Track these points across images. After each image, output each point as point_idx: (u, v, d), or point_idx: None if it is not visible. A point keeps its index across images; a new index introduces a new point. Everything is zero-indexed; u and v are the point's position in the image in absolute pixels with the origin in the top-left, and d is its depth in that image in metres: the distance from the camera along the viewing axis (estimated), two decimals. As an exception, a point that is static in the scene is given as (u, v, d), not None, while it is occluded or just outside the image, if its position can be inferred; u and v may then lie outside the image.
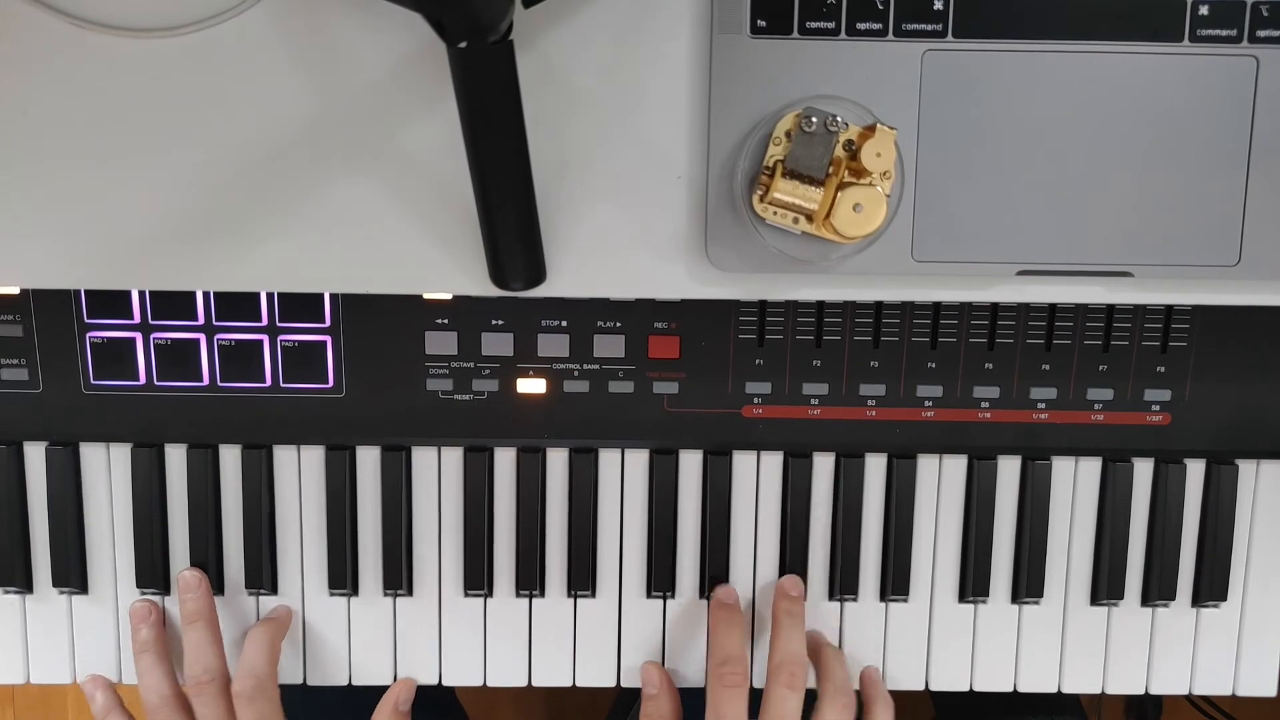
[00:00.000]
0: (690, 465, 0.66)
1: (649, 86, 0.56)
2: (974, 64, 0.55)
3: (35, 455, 0.65)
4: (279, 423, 0.64)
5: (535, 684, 0.68)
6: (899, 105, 0.55)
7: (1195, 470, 0.67)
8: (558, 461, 0.66)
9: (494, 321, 0.63)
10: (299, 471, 0.66)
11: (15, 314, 0.62)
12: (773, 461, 0.66)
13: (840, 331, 0.64)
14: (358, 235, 0.57)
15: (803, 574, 0.67)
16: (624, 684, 0.68)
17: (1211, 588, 0.67)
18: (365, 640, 0.67)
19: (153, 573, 0.66)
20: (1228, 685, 0.69)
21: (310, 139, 0.56)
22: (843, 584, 0.67)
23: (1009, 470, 0.66)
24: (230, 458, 0.65)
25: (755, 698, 0.62)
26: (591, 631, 0.67)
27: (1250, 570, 0.68)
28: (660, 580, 0.67)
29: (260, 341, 0.63)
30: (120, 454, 0.65)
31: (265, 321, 0.63)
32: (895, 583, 0.67)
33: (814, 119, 0.52)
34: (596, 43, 0.55)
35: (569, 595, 0.67)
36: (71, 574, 0.66)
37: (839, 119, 0.52)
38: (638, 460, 0.66)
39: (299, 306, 0.63)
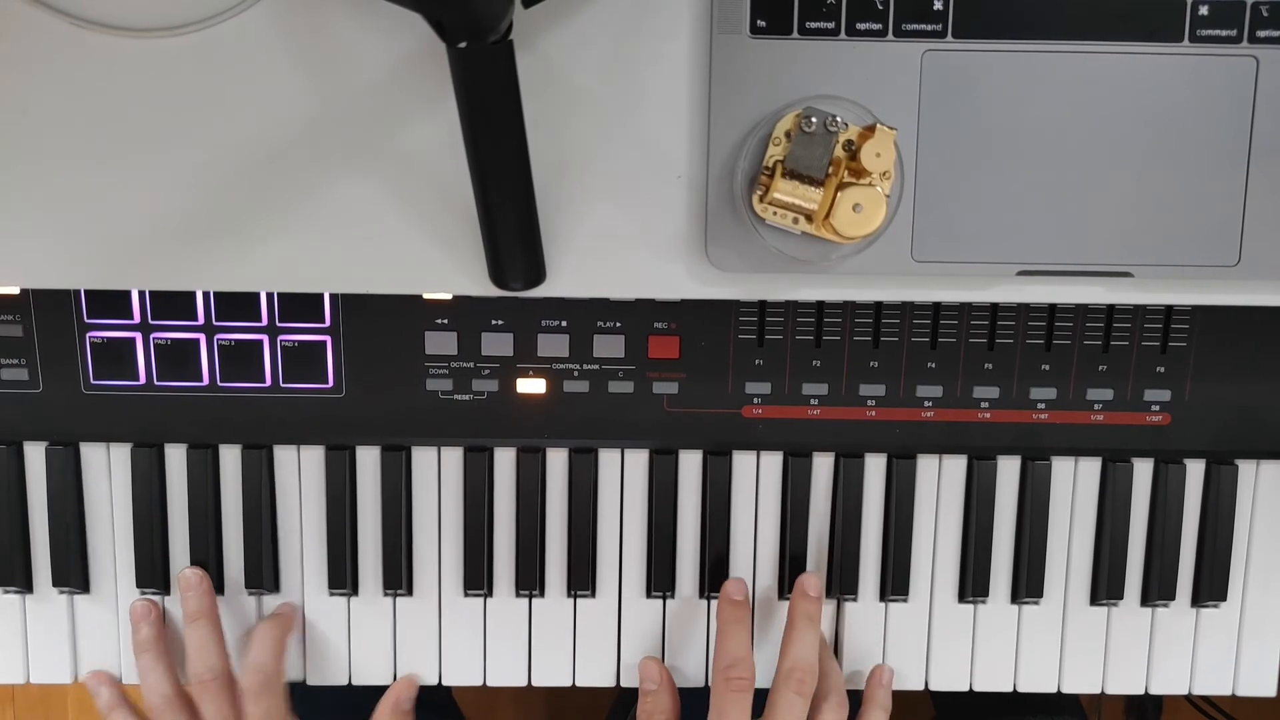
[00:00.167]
0: (690, 465, 0.66)
1: (649, 86, 0.56)
2: (974, 64, 0.55)
3: (35, 455, 0.65)
4: (279, 423, 0.64)
5: (535, 684, 0.68)
6: (899, 105, 0.55)
7: (1195, 470, 0.67)
8: (558, 461, 0.66)
9: (494, 321, 0.63)
10: (299, 471, 0.66)
11: (15, 314, 0.62)
12: (773, 461, 0.66)
13: (840, 331, 0.64)
14: (358, 235, 0.57)
15: (802, 574, 0.67)
16: (624, 684, 0.68)
17: (1211, 588, 0.67)
18: (365, 640, 0.67)
19: (153, 572, 0.66)
20: (1227, 685, 0.69)
21: (310, 139, 0.56)
22: (842, 584, 0.67)
23: (1009, 470, 0.66)
24: (230, 458, 0.65)
25: (759, 698, 0.62)
26: (591, 631, 0.67)
27: (1250, 570, 0.68)
28: (660, 580, 0.67)
29: (260, 341, 0.63)
30: (120, 454, 0.65)
31: (265, 321, 0.63)
32: (895, 582, 0.67)
33: (814, 119, 0.52)
34: (596, 43, 0.55)
35: (569, 595, 0.67)
36: (72, 574, 0.66)
37: (839, 119, 0.52)
38: (638, 460, 0.66)
39: (299, 306, 0.63)
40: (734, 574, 0.67)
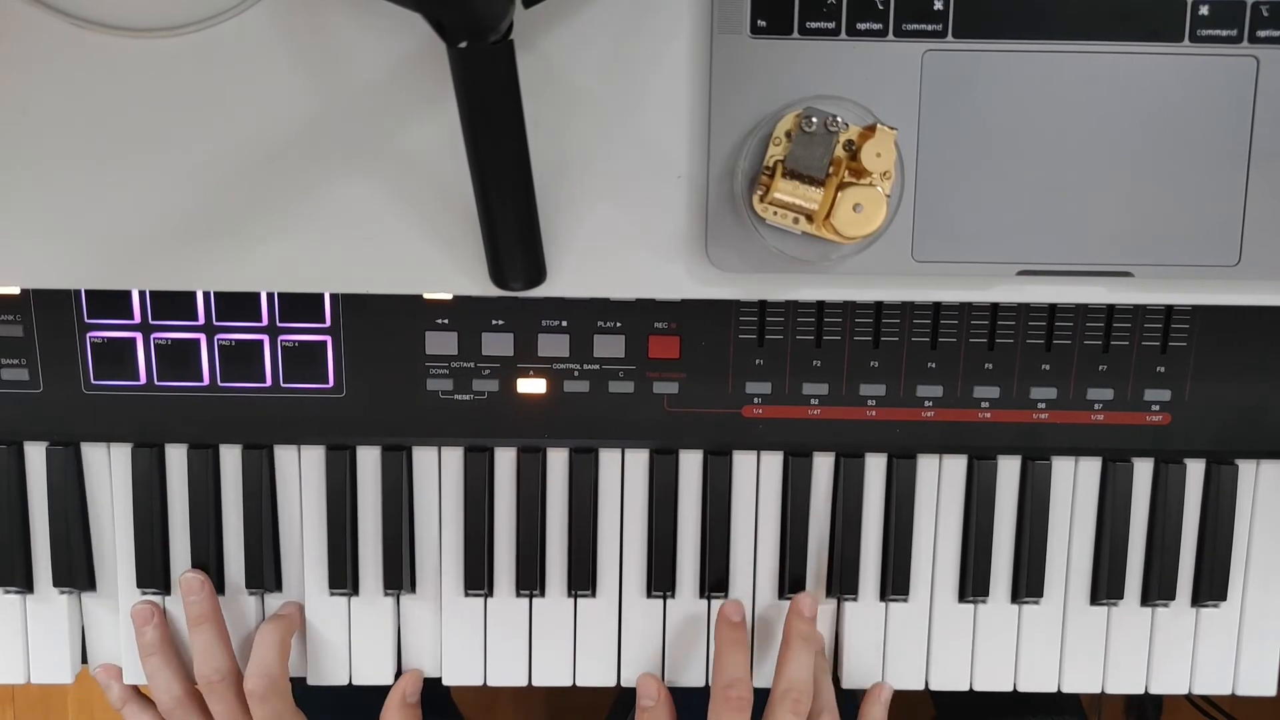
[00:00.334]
0: (690, 465, 0.66)
1: (649, 86, 0.56)
2: (974, 64, 0.55)
3: (35, 455, 0.65)
4: (279, 423, 0.64)
5: (535, 684, 0.68)
6: (899, 105, 0.55)
7: (1195, 470, 0.67)
8: (558, 461, 0.66)
9: (494, 321, 0.63)
10: (299, 471, 0.66)
11: (15, 314, 0.62)
12: (773, 461, 0.66)
13: (840, 331, 0.64)
14: (358, 235, 0.57)
15: (802, 574, 0.67)
16: (624, 684, 0.68)
17: (1211, 588, 0.67)
18: (365, 640, 0.67)
19: (153, 572, 0.66)
20: (1227, 685, 0.69)
21: (310, 139, 0.56)
22: (843, 584, 0.67)
23: (1009, 470, 0.66)
24: (230, 458, 0.65)
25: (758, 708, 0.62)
26: (591, 631, 0.67)
27: (1250, 570, 0.68)
28: (660, 580, 0.67)
29: (260, 341, 0.63)
30: (121, 454, 0.65)
31: (265, 321, 0.63)
32: (895, 582, 0.67)
33: (814, 119, 0.52)
34: (596, 43, 0.55)
35: (569, 595, 0.67)
36: (72, 574, 0.66)
37: (839, 119, 0.52)
38: (638, 460, 0.66)
39: (299, 306, 0.63)
40: (734, 574, 0.67)
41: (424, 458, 0.66)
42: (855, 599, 0.67)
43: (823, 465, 0.66)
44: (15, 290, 0.62)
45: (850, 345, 0.64)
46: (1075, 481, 0.67)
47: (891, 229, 0.55)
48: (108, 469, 0.65)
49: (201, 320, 0.63)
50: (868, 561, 0.67)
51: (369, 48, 0.55)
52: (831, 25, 0.54)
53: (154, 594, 0.66)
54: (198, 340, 0.63)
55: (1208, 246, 0.57)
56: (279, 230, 0.57)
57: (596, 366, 0.64)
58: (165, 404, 0.64)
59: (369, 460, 0.66)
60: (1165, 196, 0.56)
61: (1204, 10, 0.54)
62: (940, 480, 0.66)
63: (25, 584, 0.66)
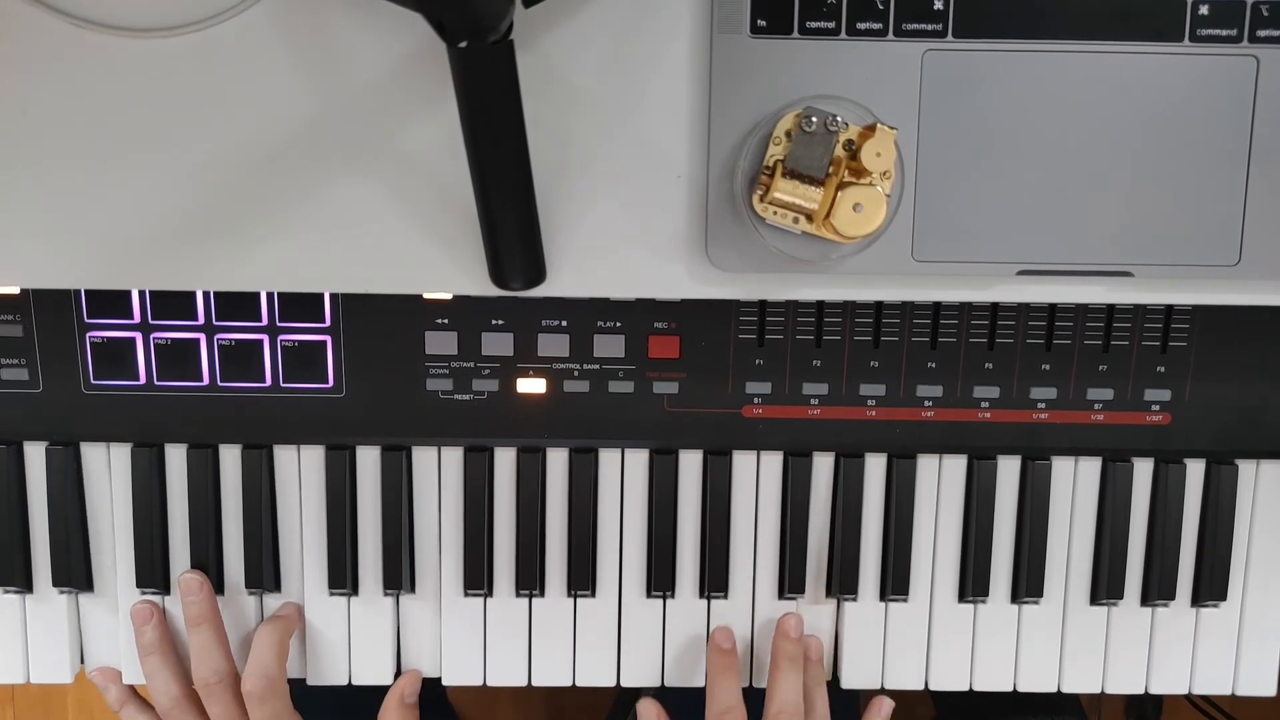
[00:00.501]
0: (690, 465, 0.66)
1: (649, 86, 0.56)
2: (974, 64, 0.55)
3: (35, 455, 0.65)
4: (279, 423, 0.64)
5: (535, 684, 0.68)
6: (899, 105, 0.55)
7: (1195, 470, 0.67)
8: (558, 461, 0.66)
9: (494, 321, 0.63)
10: (299, 471, 0.66)
11: (15, 314, 0.62)
12: (773, 461, 0.66)
13: (840, 331, 0.64)
14: (358, 235, 0.57)
15: (802, 574, 0.67)
16: (624, 684, 0.68)
17: (1211, 587, 0.67)
18: (365, 640, 0.67)
19: (153, 572, 0.66)
20: (1227, 685, 0.69)
21: (310, 139, 0.56)
22: (842, 584, 0.67)
23: (1009, 470, 0.66)
24: (230, 458, 0.65)
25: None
26: (591, 631, 0.67)
27: (1250, 570, 0.68)
28: (660, 580, 0.67)
29: (260, 341, 0.63)
30: (120, 454, 0.65)
31: (265, 321, 0.63)
32: (895, 582, 0.67)
33: (814, 119, 0.52)
34: (596, 43, 0.55)
35: (569, 595, 0.67)
36: (72, 574, 0.66)
37: (839, 119, 0.52)
38: (638, 460, 0.66)
39: (299, 306, 0.63)
40: (734, 574, 0.67)
41: (424, 458, 0.66)
42: (855, 599, 0.67)
43: (823, 465, 0.66)
44: (15, 290, 0.62)
45: (850, 345, 0.64)
46: (1075, 481, 0.67)
47: (891, 229, 0.55)
48: (107, 469, 0.65)
49: (201, 320, 0.63)
50: (867, 561, 0.67)
51: (369, 48, 0.55)
52: (831, 25, 0.54)
53: (153, 594, 0.66)
54: (197, 340, 0.63)
55: (1208, 246, 0.57)
56: (279, 230, 0.57)
57: (596, 366, 0.64)
58: (165, 404, 0.64)
59: (369, 460, 0.66)
60: (1165, 196, 0.56)
61: (1204, 10, 0.54)
62: (940, 480, 0.66)
63: (25, 584, 0.66)
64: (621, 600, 0.67)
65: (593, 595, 0.67)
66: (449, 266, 0.58)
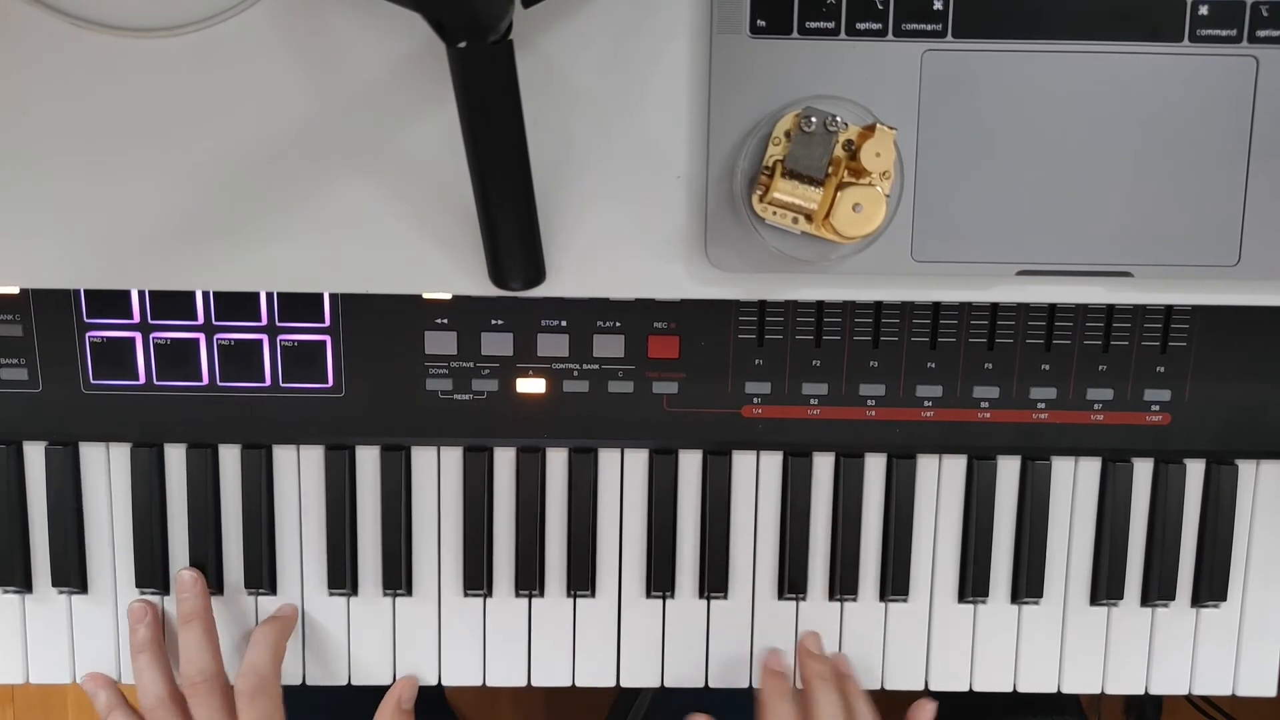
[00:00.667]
0: (690, 465, 0.66)
1: (649, 86, 0.56)
2: (974, 64, 0.55)
3: (35, 455, 0.65)
4: (279, 423, 0.64)
5: (535, 684, 0.68)
6: (899, 105, 0.55)
7: (1195, 470, 0.67)
8: (557, 461, 0.66)
9: (494, 321, 0.63)
10: (299, 471, 0.66)
11: (15, 314, 0.62)
12: (772, 461, 0.66)
13: (840, 331, 0.64)
14: (358, 235, 0.57)
15: (802, 574, 0.67)
16: (624, 684, 0.68)
17: (1211, 588, 0.67)
18: (365, 640, 0.67)
19: (152, 572, 0.66)
20: (1227, 685, 0.69)
21: (310, 139, 0.56)
22: (842, 584, 0.67)
23: (1009, 470, 0.66)
24: (230, 458, 0.65)
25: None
26: (591, 631, 0.67)
27: (1250, 570, 0.68)
28: (660, 580, 0.67)
29: (260, 341, 0.63)
30: (120, 454, 0.65)
31: (265, 321, 0.63)
32: (895, 583, 0.67)
33: (814, 119, 0.52)
34: (596, 43, 0.55)
35: (568, 595, 0.67)
36: (71, 574, 0.66)
37: (839, 119, 0.52)
38: (637, 460, 0.66)
39: (299, 306, 0.63)
40: (734, 574, 0.67)
41: (423, 458, 0.66)
42: (855, 599, 0.67)
43: (822, 465, 0.66)
44: (15, 290, 0.62)
45: (850, 345, 0.64)
46: (1075, 481, 0.67)
47: (891, 229, 0.55)
48: (106, 469, 0.65)
49: (201, 320, 0.63)
50: (867, 561, 0.67)
51: (369, 48, 0.55)
52: (831, 25, 0.54)
53: (153, 594, 0.66)
54: (197, 340, 0.63)
55: (1208, 246, 0.57)
56: (279, 230, 0.57)
57: (596, 366, 0.64)
58: (164, 404, 0.64)
59: (368, 460, 0.66)
60: (1165, 196, 0.56)
61: (1204, 10, 0.54)
62: (940, 480, 0.66)
63: (24, 584, 0.66)
64: (621, 600, 0.67)
65: (592, 595, 0.67)
66: (449, 266, 0.58)
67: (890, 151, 0.52)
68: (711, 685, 0.68)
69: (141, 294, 0.62)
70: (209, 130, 0.56)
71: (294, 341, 0.63)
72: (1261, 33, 0.55)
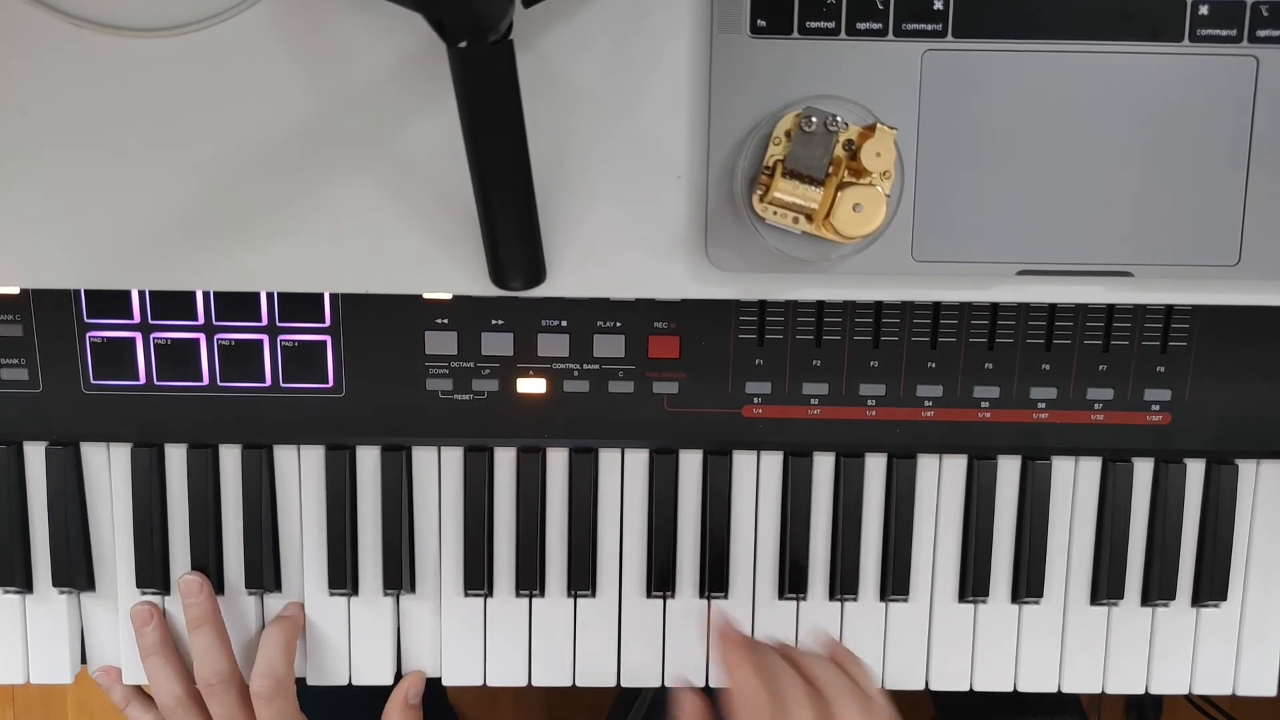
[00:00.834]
0: (690, 465, 0.66)
1: (649, 86, 0.56)
2: (974, 64, 0.55)
3: (35, 455, 0.65)
4: (279, 423, 0.64)
5: (535, 684, 0.68)
6: (899, 105, 0.55)
7: (1195, 470, 0.67)
8: (558, 461, 0.66)
9: (494, 321, 0.63)
10: (299, 471, 0.66)
11: (15, 314, 0.62)
12: (773, 461, 0.66)
13: (840, 331, 0.64)
14: (358, 235, 0.57)
15: (803, 574, 0.67)
16: (624, 684, 0.68)
17: (1211, 588, 0.67)
18: (365, 640, 0.67)
19: (153, 573, 0.66)
20: (1228, 685, 0.69)
21: (310, 139, 0.56)
22: (843, 584, 0.67)
23: (1009, 470, 0.66)
24: (230, 458, 0.65)
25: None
26: (591, 631, 0.67)
27: (1250, 570, 0.68)
28: (660, 580, 0.67)
29: (260, 341, 0.63)
30: (120, 454, 0.65)
31: (265, 321, 0.63)
32: (895, 583, 0.67)
33: (814, 119, 0.52)
34: (596, 43, 0.55)
35: (569, 595, 0.67)
36: (72, 574, 0.66)
37: (839, 119, 0.52)
38: (638, 460, 0.66)
39: (299, 306, 0.63)
40: (734, 574, 0.67)
41: (424, 458, 0.66)
42: (855, 599, 0.67)
43: (823, 465, 0.66)
44: (15, 290, 0.62)
45: (850, 345, 0.64)
46: (1075, 481, 0.67)
47: (891, 229, 0.55)
48: (107, 469, 0.65)
49: (201, 320, 0.63)
50: (868, 562, 0.67)
51: (369, 48, 0.55)
52: (831, 25, 0.54)
53: (154, 594, 0.66)
54: (197, 340, 0.63)
55: (1208, 246, 0.57)
56: (279, 230, 0.57)
57: (596, 366, 0.64)
58: (165, 404, 0.64)
59: (369, 460, 0.66)
60: (1165, 196, 0.56)
61: (1204, 10, 0.54)
62: (940, 480, 0.66)
63: (25, 584, 0.66)
64: (621, 600, 0.67)
65: (593, 595, 0.67)
66: (449, 266, 0.58)
67: (890, 151, 0.52)
68: (712, 685, 0.68)
69: (142, 294, 0.62)
70: (209, 130, 0.56)
71: (294, 341, 0.63)
72: (1261, 33, 0.55)
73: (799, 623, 0.68)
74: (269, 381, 0.64)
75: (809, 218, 0.53)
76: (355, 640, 0.67)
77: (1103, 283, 0.58)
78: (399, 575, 0.66)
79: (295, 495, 0.66)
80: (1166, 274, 0.57)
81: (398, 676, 0.68)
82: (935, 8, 0.54)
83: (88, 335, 0.63)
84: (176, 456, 0.65)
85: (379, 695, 0.67)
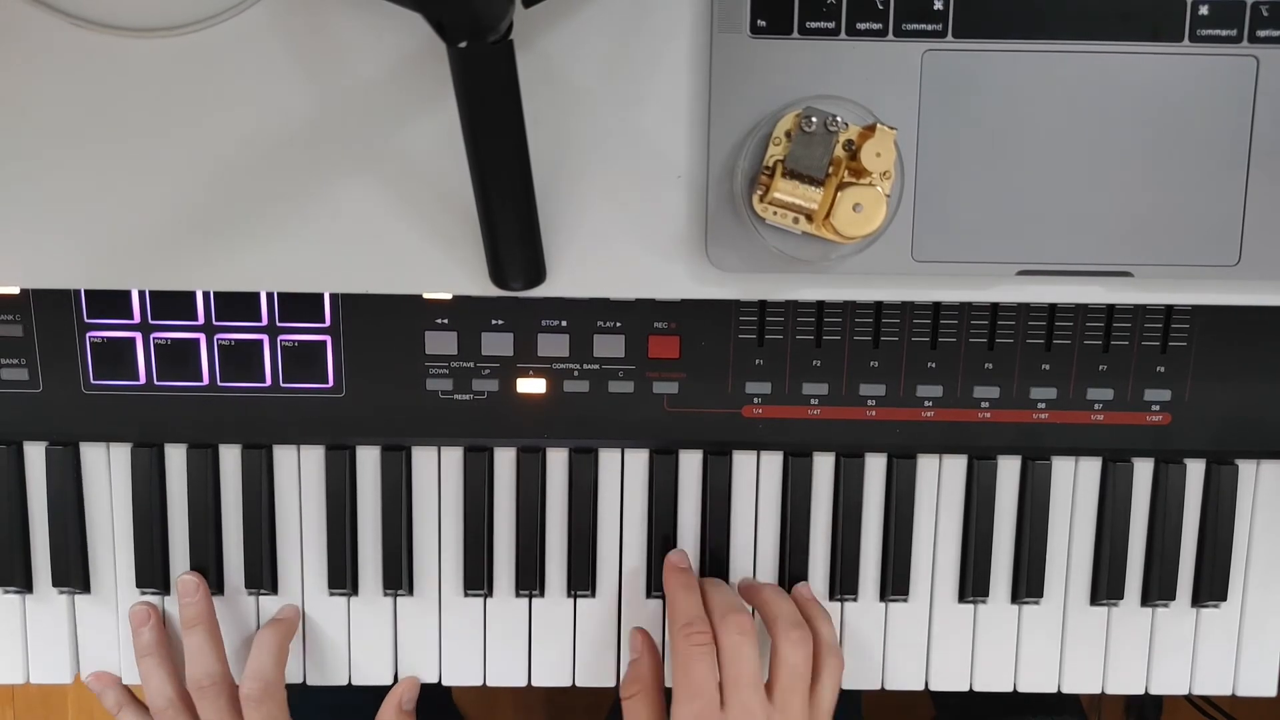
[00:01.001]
0: (690, 465, 0.66)
1: (649, 86, 0.56)
2: (974, 64, 0.55)
3: (35, 455, 0.65)
4: (279, 423, 0.64)
5: (535, 684, 0.68)
6: (899, 105, 0.55)
7: (1195, 470, 0.67)
8: (558, 461, 0.66)
9: (494, 321, 0.63)
10: (299, 471, 0.66)
11: (15, 314, 0.62)
12: (773, 461, 0.66)
13: (840, 331, 0.64)
14: (358, 235, 0.57)
15: (802, 574, 0.67)
16: (624, 684, 0.68)
17: (1211, 588, 0.67)
18: (365, 640, 0.67)
19: (153, 573, 0.66)
20: (1228, 685, 0.69)
21: (310, 139, 0.56)
22: (843, 584, 0.67)
23: (1009, 470, 0.66)
24: (230, 458, 0.65)
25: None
26: (591, 631, 0.67)
27: (1250, 570, 0.68)
28: (660, 580, 0.66)
29: (260, 341, 0.63)
30: (120, 454, 0.65)
31: (265, 321, 0.63)
32: (895, 583, 0.67)
33: (814, 119, 0.52)
34: (596, 43, 0.55)
35: (569, 595, 0.67)
36: (71, 574, 0.66)
37: (839, 119, 0.52)
38: (638, 460, 0.66)
39: (299, 306, 0.63)
40: (734, 574, 0.67)
41: (423, 458, 0.66)
42: (855, 599, 0.67)
43: (823, 465, 0.66)
44: (15, 290, 0.62)
45: (850, 345, 0.64)
46: (1075, 481, 0.67)
47: (891, 229, 0.55)
48: (107, 469, 0.65)
49: (201, 320, 0.63)
50: (868, 562, 0.67)
51: (369, 48, 0.55)
52: (831, 25, 0.54)
53: (153, 594, 0.66)
54: (197, 340, 0.63)
55: (1208, 246, 0.57)
56: (279, 230, 0.57)
57: (596, 366, 0.64)
58: (165, 404, 0.64)
59: (368, 460, 0.66)
60: (1165, 196, 0.56)
61: (1204, 10, 0.54)
62: (940, 480, 0.66)
63: (25, 584, 0.66)
64: (622, 600, 0.67)
65: (593, 595, 0.67)
66: (449, 266, 0.58)
67: (890, 151, 0.52)
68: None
69: (142, 294, 0.62)
70: (209, 130, 0.56)
71: (294, 341, 0.63)
72: (1261, 33, 0.55)
73: (799, 623, 0.67)
74: (269, 381, 0.64)
75: (809, 218, 0.53)
76: (355, 640, 0.67)
77: (1102, 283, 0.58)
78: (399, 575, 0.66)
79: (295, 495, 0.66)
80: (1166, 274, 0.57)
81: (397, 677, 0.68)
82: (935, 8, 0.54)
83: (88, 335, 0.63)
84: (176, 456, 0.65)
85: (378, 695, 0.67)
